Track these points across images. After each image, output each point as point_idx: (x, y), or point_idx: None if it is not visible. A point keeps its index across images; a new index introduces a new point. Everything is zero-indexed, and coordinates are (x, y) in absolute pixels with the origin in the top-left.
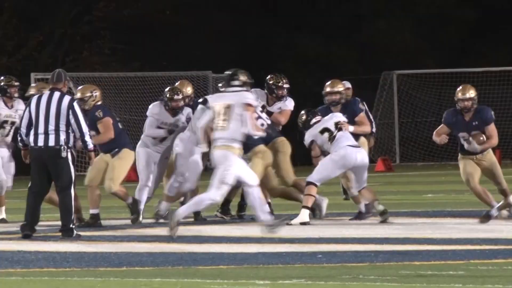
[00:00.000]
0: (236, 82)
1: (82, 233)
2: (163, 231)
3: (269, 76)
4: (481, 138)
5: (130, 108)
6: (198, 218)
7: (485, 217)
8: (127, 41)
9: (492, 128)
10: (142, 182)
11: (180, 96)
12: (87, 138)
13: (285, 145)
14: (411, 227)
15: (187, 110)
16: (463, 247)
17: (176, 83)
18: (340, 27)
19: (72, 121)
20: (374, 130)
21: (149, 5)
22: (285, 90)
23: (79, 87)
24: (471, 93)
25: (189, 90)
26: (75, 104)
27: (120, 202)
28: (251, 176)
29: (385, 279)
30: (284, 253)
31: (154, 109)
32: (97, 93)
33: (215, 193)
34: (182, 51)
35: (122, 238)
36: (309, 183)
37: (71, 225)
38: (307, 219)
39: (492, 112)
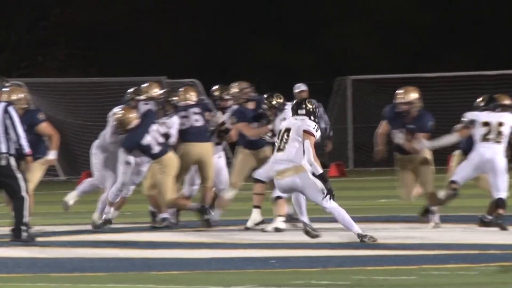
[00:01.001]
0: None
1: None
2: (116, 236)
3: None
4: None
5: (85, 114)
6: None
7: (424, 213)
8: (83, 47)
9: (420, 137)
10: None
11: (142, 97)
12: (23, 141)
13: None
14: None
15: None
16: (415, 252)
17: (145, 84)
18: (296, 32)
19: (9, 124)
20: (331, 134)
21: (106, 11)
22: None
23: (4, 89)
24: (411, 96)
25: (155, 91)
26: (10, 108)
27: (75, 208)
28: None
29: (338, 284)
30: (237, 258)
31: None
32: (22, 96)
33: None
34: (138, 57)
35: (75, 243)
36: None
37: (22, 228)
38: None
39: (432, 123)
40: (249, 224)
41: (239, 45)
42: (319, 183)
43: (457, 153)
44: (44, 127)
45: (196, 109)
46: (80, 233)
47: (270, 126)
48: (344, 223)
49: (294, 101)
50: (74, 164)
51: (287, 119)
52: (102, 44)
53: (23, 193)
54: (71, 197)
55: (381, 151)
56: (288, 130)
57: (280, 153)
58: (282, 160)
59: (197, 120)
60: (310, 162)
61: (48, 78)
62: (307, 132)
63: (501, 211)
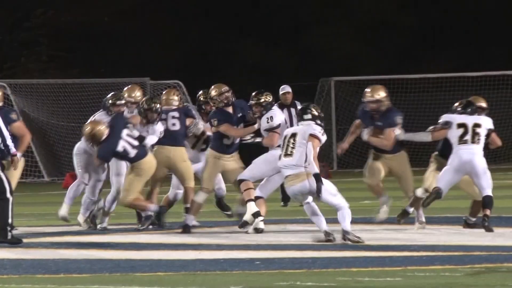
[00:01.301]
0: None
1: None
2: (100, 238)
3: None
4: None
5: (67, 115)
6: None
7: (403, 214)
8: (66, 48)
9: (389, 133)
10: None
11: (123, 101)
12: (9, 142)
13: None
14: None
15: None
16: (400, 253)
17: (126, 88)
18: (280, 33)
19: None
20: None
21: (88, 12)
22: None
23: None
24: (379, 94)
25: (138, 95)
26: None
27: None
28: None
29: (323, 285)
30: (222, 259)
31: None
32: None
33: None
34: (121, 58)
35: (59, 245)
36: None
37: (7, 230)
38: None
39: (399, 118)
40: (247, 217)
41: (223, 46)
42: (329, 185)
43: (434, 155)
44: (17, 127)
45: (175, 113)
46: (64, 235)
47: (256, 126)
48: (341, 221)
49: (300, 107)
50: (58, 165)
51: (294, 126)
52: (85, 45)
53: (8, 195)
54: (64, 211)
55: (342, 147)
56: (294, 135)
57: (288, 158)
58: (291, 165)
59: (174, 124)
60: (309, 162)
61: (31, 79)
62: (313, 136)
63: (488, 211)
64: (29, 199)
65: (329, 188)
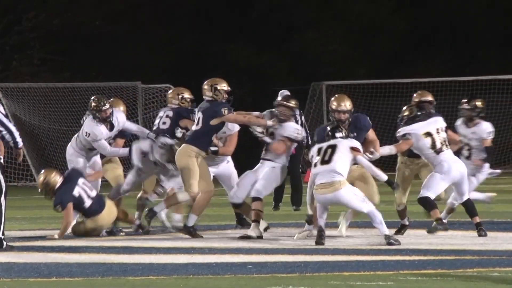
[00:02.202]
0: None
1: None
2: (92, 241)
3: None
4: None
5: (59, 119)
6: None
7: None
8: (57, 51)
9: (372, 134)
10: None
11: (108, 106)
12: (16, 135)
13: None
14: (341, 238)
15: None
16: (392, 257)
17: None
18: (271, 37)
19: None
20: (310, 142)
21: (80, 15)
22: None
23: None
24: (348, 105)
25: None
26: None
27: (52, 213)
28: None
29: None
30: (214, 263)
31: (98, 129)
32: None
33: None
34: (113, 62)
35: (52, 248)
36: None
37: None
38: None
39: (368, 118)
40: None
41: (214, 49)
42: (358, 192)
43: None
44: None
45: (170, 113)
46: (56, 238)
47: (270, 122)
48: (377, 226)
49: (329, 126)
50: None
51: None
52: (77, 49)
53: (1, 197)
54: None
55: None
56: (332, 147)
57: (325, 166)
58: (326, 171)
59: (164, 123)
60: (348, 172)
61: (23, 83)
62: (354, 149)
63: (477, 219)
64: (21, 202)
65: (358, 195)
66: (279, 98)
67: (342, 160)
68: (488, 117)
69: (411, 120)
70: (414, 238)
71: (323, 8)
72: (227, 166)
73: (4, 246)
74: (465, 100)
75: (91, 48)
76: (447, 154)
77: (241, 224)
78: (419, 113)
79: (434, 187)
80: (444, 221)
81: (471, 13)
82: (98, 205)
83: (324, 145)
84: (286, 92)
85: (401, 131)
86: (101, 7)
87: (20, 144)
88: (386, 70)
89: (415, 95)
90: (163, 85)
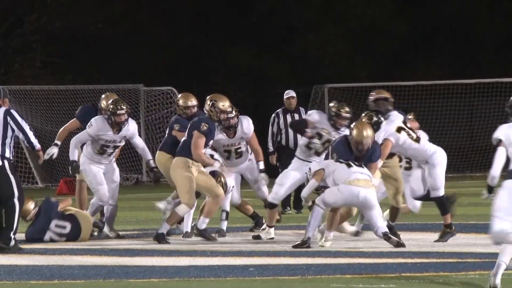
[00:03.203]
0: None
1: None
2: (95, 244)
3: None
4: None
5: (61, 121)
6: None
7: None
8: (59, 54)
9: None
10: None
11: (124, 111)
12: (32, 138)
13: None
14: (342, 241)
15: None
16: (394, 260)
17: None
18: (272, 39)
19: (14, 127)
20: None
21: (81, 18)
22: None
23: None
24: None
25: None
26: (12, 111)
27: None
28: None
29: None
30: (216, 266)
31: (98, 123)
32: None
33: None
34: (115, 64)
35: (54, 251)
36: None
37: (11, 235)
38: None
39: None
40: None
41: (215, 52)
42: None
43: None
44: None
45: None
46: (59, 241)
47: (217, 164)
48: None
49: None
50: (52, 171)
51: None
52: (79, 51)
53: (15, 200)
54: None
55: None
56: None
57: (360, 168)
58: (363, 173)
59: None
60: None
61: (25, 85)
62: None
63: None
64: None
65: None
66: (285, 97)
67: None
68: (489, 120)
69: (376, 125)
70: (415, 241)
71: (323, 10)
72: (249, 163)
73: (12, 244)
74: None
75: (92, 51)
76: (429, 144)
77: (258, 225)
78: (379, 116)
79: (442, 182)
80: (392, 224)
81: (472, 14)
82: (73, 235)
83: None
84: (291, 93)
85: (381, 138)
86: (102, 9)
87: (37, 146)
88: (387, 72)
89: (372, 95)
90: (166, 88)
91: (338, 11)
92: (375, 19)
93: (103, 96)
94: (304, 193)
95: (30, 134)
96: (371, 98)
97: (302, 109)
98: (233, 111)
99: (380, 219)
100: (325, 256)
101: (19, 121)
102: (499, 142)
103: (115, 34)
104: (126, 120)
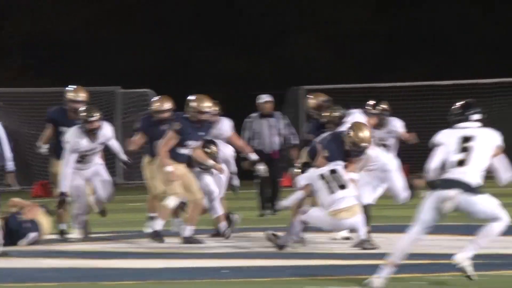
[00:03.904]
0: None
1: None
2: (67, 247)
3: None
4: None
5: (38, 124)
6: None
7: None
8: (37, 57)
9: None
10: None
11: (97, 117)
12: (7, 160)
13: None
14: (317, 242)
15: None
16: (367, 261)
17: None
18: (252, 42)
19: None
20: (296, 142)
21: (59, 21)
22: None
23: None
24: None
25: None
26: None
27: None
28: None
29: None
30: (190, 268)
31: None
32: None
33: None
34: (92, 67)
35: (27, 253)
36: None
37: None
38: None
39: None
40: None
41: (195, 54)
42: None
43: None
44: None
45: None
46: (31, 243)
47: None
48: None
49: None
50: (28, 174)
51: None
52: (56, 54)
53: None
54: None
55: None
56: None
57: (344, 191)
58: (346, 197)
59: None
60: None
61: (1, 88)
62: None
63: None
64: None
65: None
66: (260, 101)
67: None
68: None
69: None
70: (388, 243)
71: (304, 13)
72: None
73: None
74: None
75: (70, 54)
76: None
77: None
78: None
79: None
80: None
81: (452, 17)
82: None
83: None
84: (267, 97)
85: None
86: (80, 12)
87: (10, 168)
88: (368, 75)
89: (311, 99)
90: (143, 90)
91: (319, 15)
92: (355, 22)
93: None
94: (288, 202)
95: (8, 154)
96: (312, 103)
97: (277, 113)
98: (213, 111)
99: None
100: (299, 258)
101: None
102: (437, 146)
103: (93, 37)
104: (100, 126)
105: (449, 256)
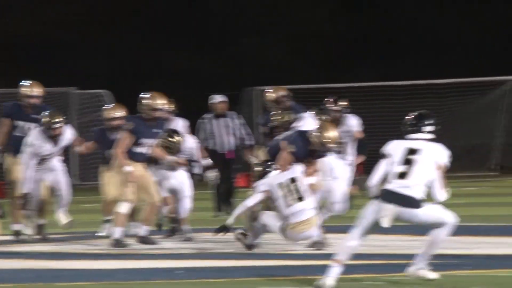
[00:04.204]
0: None
1: None
2: (22, 247)
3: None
4: None
5: None
6: None
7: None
8: None
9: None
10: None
11: (60, 124)
12: None
13: None
14: (271, 243)
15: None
16: (321, 262)
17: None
18: (208, 42)
19: None
20: (253, 143)
21: (15, 22)
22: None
23: None
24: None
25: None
26: None
27: None
28: None
29: None
30: (144, 269)
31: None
32: None
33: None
34: (48, 67)
35: None
36: None
37: None
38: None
39: None
40: None
41: (150, 54)
42: None
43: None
44: None
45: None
46: None
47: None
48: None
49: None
50: None
51: None
52: (10, 54)
53: None
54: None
55: None
56: None
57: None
58: (305, 210)
59: None
60: None
61: None
62: None
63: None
64: None
65: None
66: (213, 101)
67: None
68: None
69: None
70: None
71: (260, 13)
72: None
73: None
74: None
75: (26, 54)
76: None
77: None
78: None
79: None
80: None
81: (407, 18)
82: None
83: None
84: (221, 97)
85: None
86: (36, 14)
87: None
88: (325, 76)
89: (270, 93)
90: (97, 91)
91: (275, 14)
92: (311, 22)
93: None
94: (248, 203)
95: None
96: (271, 97)
97: (231, 113)
98: (166, 108)
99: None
100: (253, 258)
101: None
102: (384, 157)
103: (48, 38)
104: (63, 131)
105: (403, 256)
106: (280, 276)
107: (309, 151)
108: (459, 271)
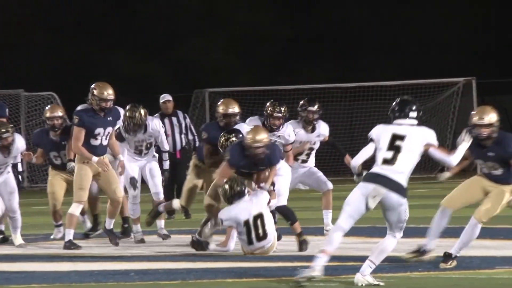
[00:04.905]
0: None
1: None
2: None
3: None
4: None
5: None
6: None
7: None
8: None
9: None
10: None
11: (10, 133)
12: None
13: None
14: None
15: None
16: (276, 264)
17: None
18: (155, 44)
19: None
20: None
21: None
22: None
23: None
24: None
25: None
26: None
27: None
28: None
29: None
30: (97, 271)
31: None
32: None
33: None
34: None
35: None
36: None
37: None
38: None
39: None
40: None
41: (97, 57)
42: None
43: None
44: None
45: None
46: None
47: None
48: None
49: None
50: None
51: None
52: None
53: None
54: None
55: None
56: None
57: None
58: (262, 241)
59: None
60: None
61: None
62: None
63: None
64: None
65: None
66: (161, 101)
67: None
68: (372, 123)
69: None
70: (296, 246)
71: (206, 16)
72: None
73: None
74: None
75: None
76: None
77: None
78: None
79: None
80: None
81: (354, 19)
82: None
83: None
84: (167, 96)
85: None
86: None
87: None
88: (270, 78)
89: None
90: (46, 93)
91: (220, 17)
92: (257, 24)
93: None
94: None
95: None
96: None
97: (180, 112)
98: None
99: None
100: (206, 261)
101: None
102: (371, 140)
103: None
104: (13, 140)
105: (355, 258)
106: (233, 278)
107: (245, 158)
108: (411, 273)
